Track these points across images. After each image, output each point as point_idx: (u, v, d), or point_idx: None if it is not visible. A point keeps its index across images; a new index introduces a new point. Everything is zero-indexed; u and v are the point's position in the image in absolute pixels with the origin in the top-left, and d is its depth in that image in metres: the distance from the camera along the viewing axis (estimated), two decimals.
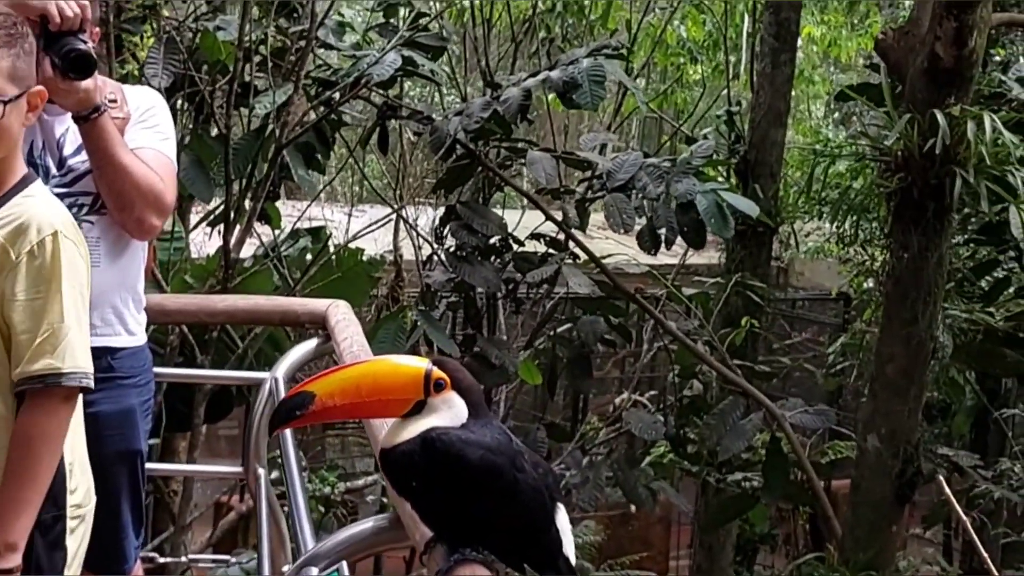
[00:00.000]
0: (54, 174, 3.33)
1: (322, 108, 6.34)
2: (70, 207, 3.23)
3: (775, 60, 8.86)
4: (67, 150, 3.36)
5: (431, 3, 6.68)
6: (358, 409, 2.09)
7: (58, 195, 3.19)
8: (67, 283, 2.52)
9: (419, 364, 1.98)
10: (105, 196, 3.33)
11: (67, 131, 3.36)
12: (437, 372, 1.95)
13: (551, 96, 9.22)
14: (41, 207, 2.58)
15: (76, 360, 2.51)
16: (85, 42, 3.20)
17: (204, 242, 7.39)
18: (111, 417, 3.43)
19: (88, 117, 3.24)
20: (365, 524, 2.39)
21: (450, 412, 1.94)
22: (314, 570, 2.32)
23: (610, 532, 9.70)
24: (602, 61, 5.91)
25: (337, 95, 6.19)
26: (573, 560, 2.05)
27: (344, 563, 2.51)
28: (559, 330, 7.17)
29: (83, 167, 3.34)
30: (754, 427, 6.10)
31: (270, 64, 6.03)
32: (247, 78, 6.09)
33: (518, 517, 1.95)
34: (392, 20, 6.71)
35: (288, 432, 3.28)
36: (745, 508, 6.64)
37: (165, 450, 6.59)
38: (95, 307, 3.20)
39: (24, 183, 2.62)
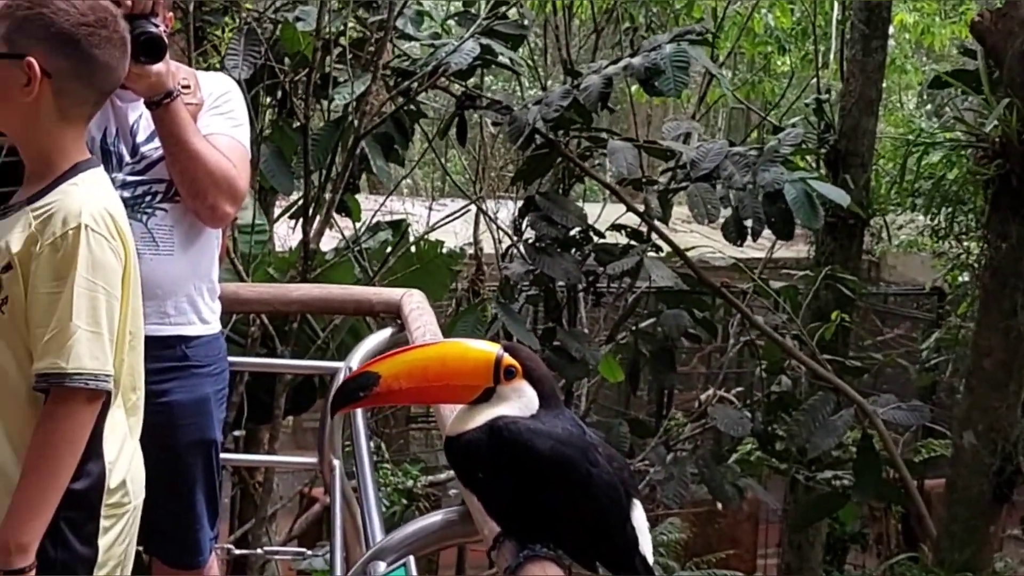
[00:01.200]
0: (127, 161, 3.28)
1: (400, 98, 6.26)
2: (143, 195, 3.27)
3: (866, 47, 8.64)
4: (140, 137, 3.30)
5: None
6: (424, 394, 1.98)
7: (131, 182, 3.25)
8: (83, 280, 2.40)
9: (490, 349, 1.87)
10: (178, 183, 3.27)
11: (140, 117, 3.30)
12: (508, 359, 1.84)
13: (634, 88, 9.13)
14: (76, 197, 2.46)
15: (81, 361, 2.39)
16: (157, 25, 3.14)
17: (288, 235, 7.36)
18: (185, 406, 3.38)
19: (160, 102, 3.18)
20: (434, 517, 2.28)
21: (520, 401, 1.83)
22: (381, 565, 2.21)
23: (696, 529, 9.55)
24: (685, 47, 5.74)
25: (415, 85, 6.08)
26: (651, 559, 1.92)
27: (412, 558, 2.40)
28: (641, 325, 7.02)
29: (156, 154, 3.28)
30: (845, 423, 5.90)
31: (349, 55, 5.96)
32: (327, 69, 6.03)
33: (591, 512, 1.82)
34: (471, 9, 6.61)
35: (360, 421, 3.20)
36: (836, 507, 6.45)
37: (249, 441, 6.59)
38: (168, 296, 3.26)
39: (75, 170, 2.52)
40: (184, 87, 3.27)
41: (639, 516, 1.86)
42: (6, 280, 2.42)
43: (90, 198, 2.47)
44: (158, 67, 3.13)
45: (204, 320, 3.42)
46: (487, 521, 1.96)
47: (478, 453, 1.82)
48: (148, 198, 3.29)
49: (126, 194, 3.20)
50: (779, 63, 12.73)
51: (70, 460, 2.42)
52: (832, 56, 11.25)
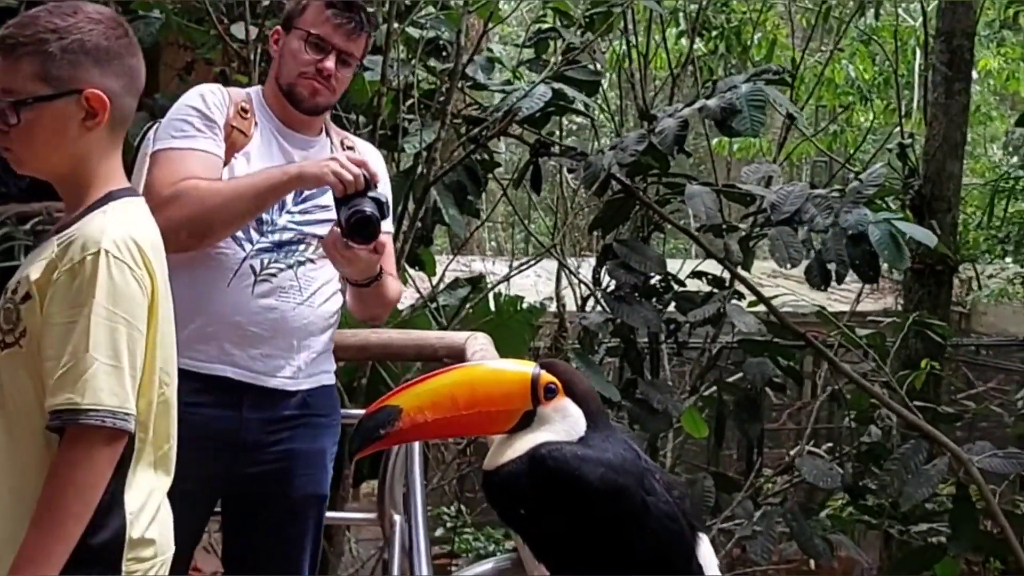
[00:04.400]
0: (289, 208, 3.28)
1: (471, 145, 6.14)
2: (298, 242, 3.25)
3: (948, 89, 8.43)
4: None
5: (585, 36, 6.40)
6: (455, 425, 1.81)
7: (290, 228, 3.25)
8: (102, 309, 2.19)
9: (524, 368, 1.70)
10: (354, 310, 3.42)
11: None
12: (546, 376, 1.67)
13: (715, 141, 8.97)
14: (98, 223, 2.26)
15: (98, 396, 2.15)
16: (376, 199, 3.06)
17: None
18: (304, 456, 3.31)
19: (367, 284, 3.24)
20: (485, 565, 2.12)
21: (564, 423, 1.66)
22: None
23: None
24: (762, 86, 5.58)
25: (486, 131, 5.97)
26: None
27: None
28: (726, 379, 6.81)
29: (319, 210, 3.28)
30: (939, 473, 5.62)
31: (418, 104, 5.86)
32: (397, 120, 5.93)
33: (649, 548, 1.65)
34: (543, 56, 6.49)
35: (417, 472, 3.02)
36: (931, 561, 6.14)
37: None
38: (302, 349, 3.22)
39: (107, 199, 2.33)
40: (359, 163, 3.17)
41: (706, 551, 1.68)
42: (24, 311, 2.23)
43: (114, 224, 2.26)
44: (369, 251, 3.10)
45: (325, 370, 3.38)
46: (537, 566, 1.79)
47: (519, 487, 1.65)
48: (302, 247, 3.26)
49: (283, 238, 3.23)
50: (861, 112, 12.50)
51: (82, 508, 2.17)
52: (916, 104, 11.02)
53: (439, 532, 10.23)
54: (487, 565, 2.12)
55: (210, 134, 3.26)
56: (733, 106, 5.55)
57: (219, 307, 3.18)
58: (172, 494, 2.51)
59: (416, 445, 3.29)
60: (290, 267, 3.22)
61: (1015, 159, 14.00)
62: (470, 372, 1.83)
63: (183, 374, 2.74)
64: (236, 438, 3.17)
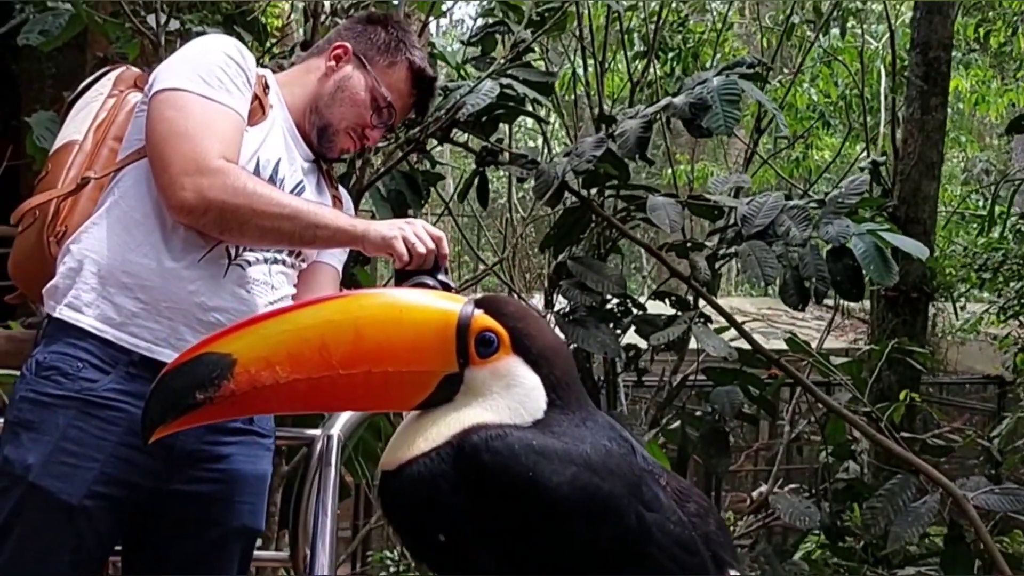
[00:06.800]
0: None
1: (412, 153, 5.55)
2: None
3: (924, 104, 7.94)
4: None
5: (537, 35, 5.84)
6: (329, 393, 1.17)
7: None
8: None
9: (447, 306, 1.09)
10: None
11: (302, 183, 3.05)
12: (482, 319, 1.06)
13: (677, 154, 8.45)
14: None
15: None
16: (446, 284, 2.59)
17: None
18: (245, 481, 2.88)
19: None
20: None
21: (509, 396, 1.05)
22: None
23: None
24: (736, 79, 5.01)
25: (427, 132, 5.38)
26: None
27: None
28: (689, 407, 6.23)
29: None
30: (929, 511, 5.05)
31: None
32: None
33: None
34: (491, 54, 5.92)
35: (329, 495, 2.39)
36: None
37: None
38: None
39: None
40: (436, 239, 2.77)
41: None
42: None
43: None
44: None
45: None
46: None
47: (436, 496, 1.02)
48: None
49: None
50: (823, 139, 12.13)
51: None
52: (882, 126, 10.61)
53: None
54: None
55: (246, 95, 2.89)
56: (704, 102, 4.98)
57: (184, 284, 2.76)
58: (93, 497, 2.60)
59: (333, 459, 2.68)
60: (265, 261, 2.87)
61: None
62: (355, 305, 1.19)
63: (120, 350, 2.72)
64: (171, 443, 2.59)
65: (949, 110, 11.82)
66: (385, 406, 1.23)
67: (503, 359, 1.10)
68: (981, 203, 11.68)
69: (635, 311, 5.94)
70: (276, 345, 1.14)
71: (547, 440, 1.01)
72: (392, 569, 9.27)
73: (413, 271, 2.57)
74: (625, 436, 1.11)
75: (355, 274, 5.73)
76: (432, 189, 6.04)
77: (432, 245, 2.63)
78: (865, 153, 9.57)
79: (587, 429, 1.06)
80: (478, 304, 1.12)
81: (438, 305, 1.12)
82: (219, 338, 1.18)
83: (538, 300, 7.36)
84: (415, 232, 2.65)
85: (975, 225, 10.99)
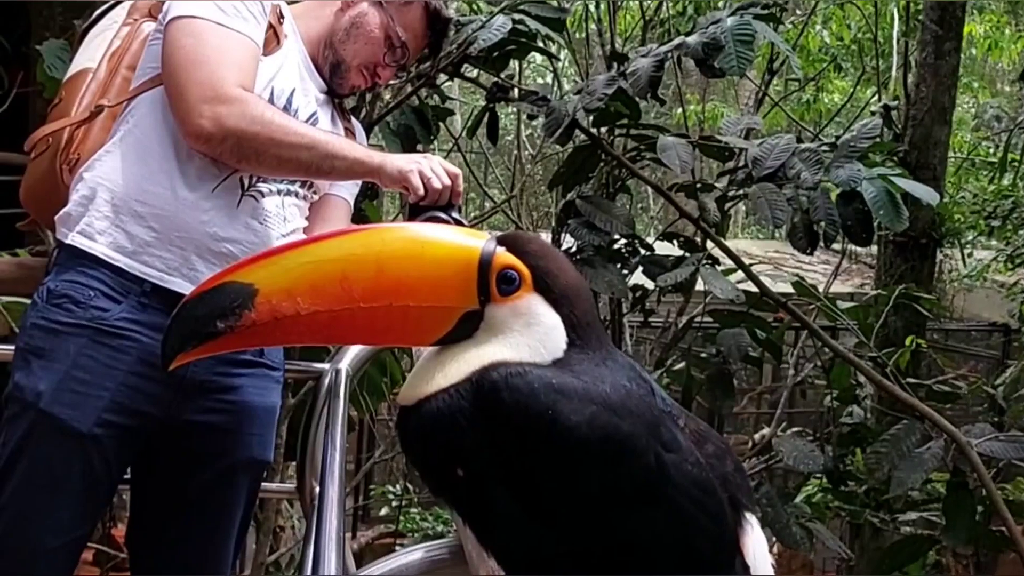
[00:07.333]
0: None
1: (422, 87, 5.53)
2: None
3: (938, 49, 7.87)
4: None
5: None
6: (349, 326, 1.16)
7: None
8: None
9: (470, 242, 1.08)
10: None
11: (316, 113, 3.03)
12: (504, 257, 1.06)
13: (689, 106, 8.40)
14: None
15: None
16: (451, 222, 2.57)
17: None
18: (256, 413, 2.91)
19: None
20: (411, 555, 1.50)
21: (530, 334, 1.04)
22: None
23: None
24: (750, 19, 4.97)
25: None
26: None
27: None
28: (695, 352, 6.23)
29: None
30: (933, 457, 5.06)
31: None
32: None
33: (666, 536, 1.01)
34: None
35: (338, 428, 2.41)
36: (920, 552, 5.60)
37: None
38: None
39: None
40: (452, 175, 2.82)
41: (755, 541, 1.05)
42: None
43: None
44: None
45: None
46: (485, 560, 1.17)
47: (454, 432, 1.02)
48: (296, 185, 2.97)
49: None
50: (833, 83, 12.05)
51: None
52: (894, 71, 10.54)
53: (384, 511, 9.69)
54: (414, 554, 1.50)
55: (261, 24, 2.88)
56: (717, 41, 4.94)
57: (197, 214, 2.77)
58: (103, 426, 2.65)
59: (341, 393, 2.69)
60: (278, 193, 2.87)
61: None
62: (378, 239, 1.18)
63: (132, 279, 2.74)
64: (181, 374, 2.63)
65: (962, 55, 11.77)
66: (404, 341, 1.23)
67: (524, 297, 1.09)
68: (992, 150, 11.61)
69: (643, 251, 5.93)
70: (298, 277, 1.14)
71: (566, 379, 1.01)
72: (394, 503, 9.32)
73: (426, 207, 2.58)
74: (644, 376, 1.11)
75: (363, 208, 5.74)
76: (441, 125, 6.03)
77: (448, 181, 2.66)
78: (876, 97, 9.51)
79: (607, 369, 1.06)
80: (500, 241, 1.11)
81: (460, 241, 1.11)
82: (241, 268, 1.18)
83: (545, 239, 7.36)
84: (431, 167, 2.66)
85: (985, 172, 10.95)
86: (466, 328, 1.10)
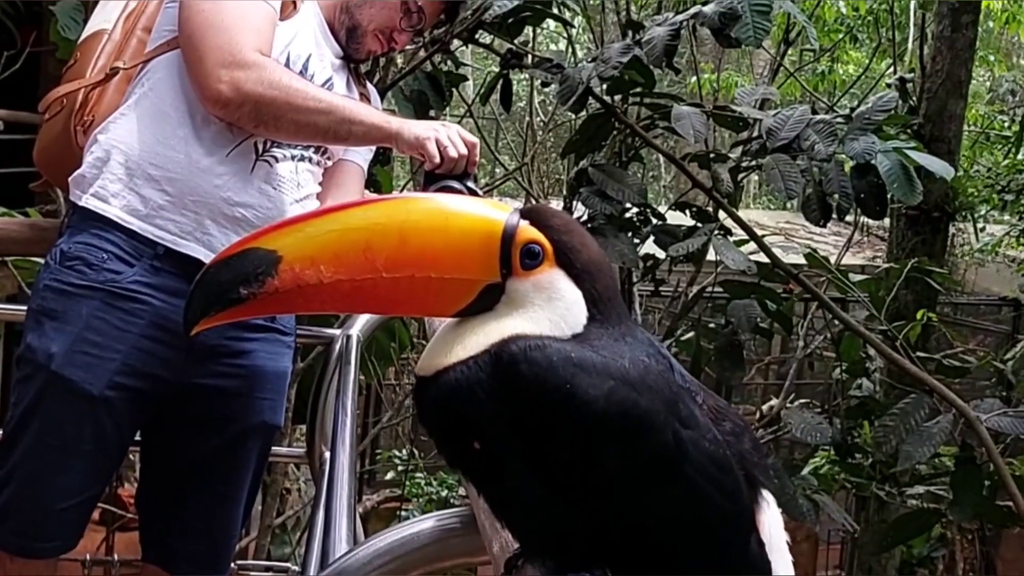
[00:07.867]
0: None
1: (435, 53, 5.51)
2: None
3: (955, 21, 7.81)
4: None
5: None
6: (371, 296, 1.17)
7: None
8: None
9: (493, 214, 1.08)
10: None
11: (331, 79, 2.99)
12: (527, 231, 1.06)
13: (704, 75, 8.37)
14: None
15: None
16: (465, 190, 2.62)
17: None
18: (266, 377, 2.88)
19: None
20: (422, 524, 1.50)
21: (551, 308, 1.04)
22: None
23: None
24: None
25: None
26: None
27: None
28: (705, 322, 6.23)
29: None
30: (942, 431, 5.05)
31: None
32: None
33: (682, 513, 1.03)
34: None
35: (349, 394, 2.41)
36: (927, 526, 5.61)
37: None
38: None
39: None
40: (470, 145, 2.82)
41: (772, 520, 1.06)
42: None
43: None
44: None
45: None
46: (498, 531, 1.17)
47: (472, 404, 1.03)
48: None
49: None
50: (848, 54, 11.99)
51: None
52: (910, 43, 10.48)
53: (390, 475, 9.72)
54: (424, 524, 1.50)
55: None
56: (734, 11, 4.92)
57: (211, 178, 2.76)
58: (114, 388, 2.66)
59: (352, 359, 2.68)
60: (292, 158, 2.86)
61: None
62: (402, 209, 1.18)
63: (145, 242, 2.75)
64: (193, 337, 2.61)
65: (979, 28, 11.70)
66: (425, 311, 1.23)
67: (546, 271, 1.09)
68: (1007, 123, 11.56)
69: (655, 221, 5.92)
70: (322, 245, 1.14)
71: (586, 353, 1.01)
72: (400, 468, 9.34)
73: (441, 175, 2.57)
74: (663, 353, 1.11)
75: (375, 173, 5.73)
76: (454, 91, 6.01)
77: (464, 150, 2.65)
78: (892, 69, 9.46)
79: (626, 344, 1.06)
80: (524, 215, 1.11)
81: (484, 213, 1.11)
82: (265, 234, 1.18)
83: (557, 207, 7.36)
84: (449, 136, 2.66)
85: (999, 146, 10.91)
86: (486, 300, 1.10)
